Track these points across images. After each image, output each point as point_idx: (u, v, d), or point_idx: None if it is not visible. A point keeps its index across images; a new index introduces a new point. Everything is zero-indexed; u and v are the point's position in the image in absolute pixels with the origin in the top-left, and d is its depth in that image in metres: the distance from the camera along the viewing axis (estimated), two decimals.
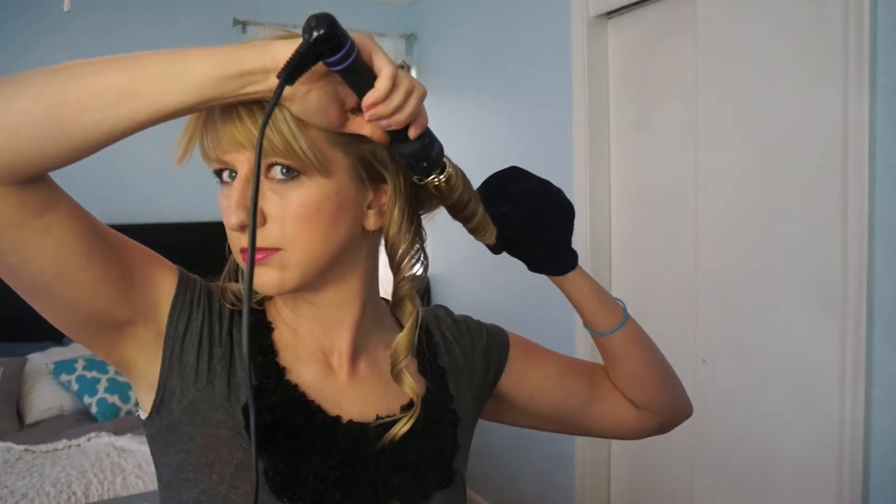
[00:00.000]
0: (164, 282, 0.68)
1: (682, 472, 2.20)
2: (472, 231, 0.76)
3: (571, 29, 2.44)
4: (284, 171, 0.63)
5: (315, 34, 0.53)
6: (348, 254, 0.70)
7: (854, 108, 1.56)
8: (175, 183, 3.40)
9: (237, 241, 0.66)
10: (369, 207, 0.70)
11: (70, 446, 2.40)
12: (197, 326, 0.68)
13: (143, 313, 0.66)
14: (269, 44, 0.56)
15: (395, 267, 0.72)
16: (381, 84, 0.57)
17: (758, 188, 1.88)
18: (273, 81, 0.56)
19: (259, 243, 0.64)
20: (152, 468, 2.21)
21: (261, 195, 0.63)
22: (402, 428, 0.72)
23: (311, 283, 0.68)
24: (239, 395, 0.69)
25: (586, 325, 0.86)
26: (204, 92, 0.55)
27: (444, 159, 0.68)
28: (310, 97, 0.58)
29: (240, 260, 0.67)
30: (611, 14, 2.37)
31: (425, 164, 0.64)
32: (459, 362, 0.85)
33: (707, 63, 2.02)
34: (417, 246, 0.72)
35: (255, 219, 0.59)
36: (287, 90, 0.57)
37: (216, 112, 0.63)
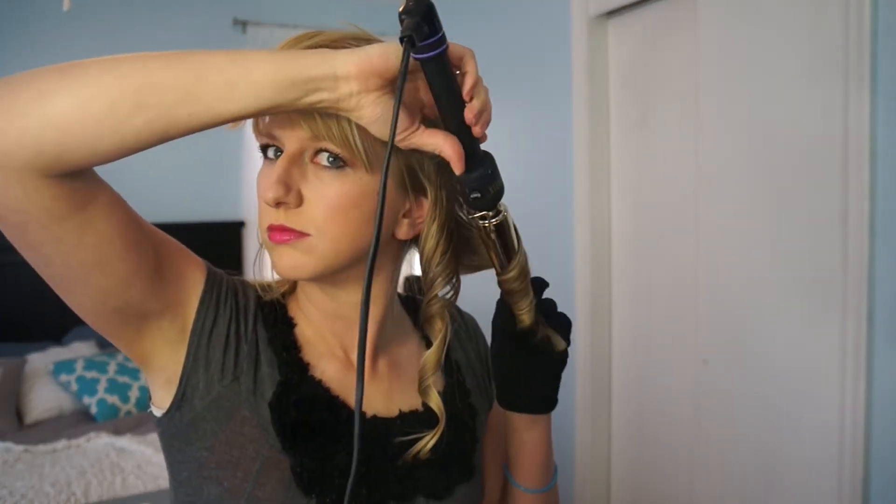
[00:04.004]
0: (193, 276, 0.67)
1: (682, 471, 2.20)
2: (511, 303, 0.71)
3: (571, 29, 2.44)
4: (331, 158, 0.63)
5: (417, 15, 0.52)
6: None
7: (854, 108, 1.56)
8: (173, 183, 3.40)
9: (266, 218, 0.65)
10: (405, 216, 0.69)
11: (69, 447, 2.40)
12: (224, 323, 0.68)
13: (172, 306, 0.65)
14: (329, 52, 0.55)
15: (428, 284, 0.71)
16: (478, 86, 0.57)
17: (758, 188, 1.88)
18: (342, 90, 0.54)
19: (291, 224, 0.64)
20: (152, 468, 2.22)
21: (302, 178, 0.63)
22: (428, 443, 0.72)
23: (331, 276, 0.68)
24: (264, 391, 0.68)
25: (518, 479, 0.80)
26: (265, 99, 0.53)
27: (516, 239, 0.66)
28: (377, 107, 0.56)
29: (265, 237, 0.66)
30: (611, 14, 2.36)
31: (479, 195, 0.61)
32: (471, 358, 0.86)
33: (707, 63, 2.02)
34: (452, 266, 0.71)
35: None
36: (355, 99, 0.55)
37: None
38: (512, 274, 0.68)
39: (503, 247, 0.66)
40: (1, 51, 3.07)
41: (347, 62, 0.54)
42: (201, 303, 0.67)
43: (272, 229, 0.65)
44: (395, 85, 0.55)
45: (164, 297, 0.64)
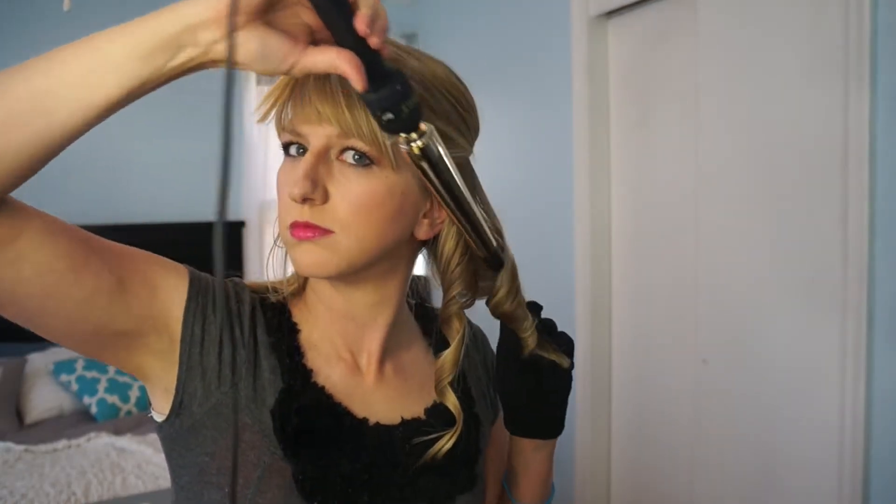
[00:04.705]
0: (171, 287, 0.65)
1: (682, 471, 2.20)
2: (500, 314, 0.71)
3: (571, 29, 2.44)
4: (358, 156, 0.62)
5: None
6: (393, 255, 0.69)
7: (854, 108, 1.56)
8: (173, 183, 3.40)
9: (288, 215, 0.64)
10: (425, 217, 0.68)
11: (70, 446, 2.40)
12: (216, 329, 0.66)
13: (150, 320, 0.63)
14: (178, 4, 0.49)
15: (447, 284, 0.70)
16: None
17: (758, 188, 1.88)
18: (205, 38, 0.49)
19: (316, 221, 0.63)
20: (152, 468, 2.22)
21: (328, 175, 0.62)
22: (445, 445, 0.72)
23: (352, 275, 0.67)
24: (265, 398, 0.67)
25: (517, 495, 0.82)
26: (129, 76, 0.49)
27: (502, 251, 0.64)
28: (250, 43, 0.49)
29: (287, 234, 0.65)
30: (611, 14, 2.36)
31: (392, 116, 0.54)
32: (478, 368, 0.85)
33: (707, 63, 2.02)
34: (472, 269, 0.70)
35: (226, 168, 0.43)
36: (222, 45, 0.49)
37: (309, 81, 0.61)
38: (500, 295, 0.68)
39: (442, 181, 0.60)
40: (1, 51, 3.07)
41: (199, 8, 0.48)
42: (186, 311, 0.65)
43: (295, 226, 0.63)
44: (261, 14, 0.49)
45: (136, 313, 0.61)
